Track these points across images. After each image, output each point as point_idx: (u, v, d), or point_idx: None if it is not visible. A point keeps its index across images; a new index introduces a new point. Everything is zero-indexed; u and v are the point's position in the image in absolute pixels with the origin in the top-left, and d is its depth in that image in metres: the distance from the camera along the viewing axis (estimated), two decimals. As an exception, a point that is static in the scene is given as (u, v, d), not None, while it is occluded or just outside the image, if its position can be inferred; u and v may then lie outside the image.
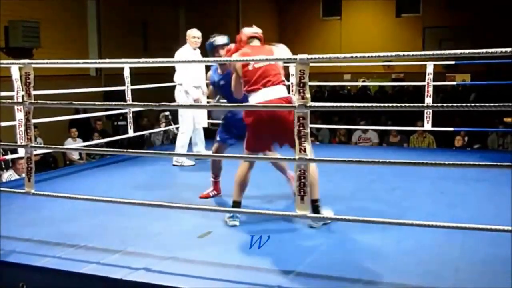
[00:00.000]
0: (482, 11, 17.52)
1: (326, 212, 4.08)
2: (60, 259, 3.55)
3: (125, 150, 5.92)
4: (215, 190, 5.14)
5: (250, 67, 4.20)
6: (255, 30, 4.48)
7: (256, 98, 4.13)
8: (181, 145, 6.73)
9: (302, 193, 3.14)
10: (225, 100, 5.03)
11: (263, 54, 4.22)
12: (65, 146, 6.03)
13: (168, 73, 7.04)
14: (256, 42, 4.41)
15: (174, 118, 9.99)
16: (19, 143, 5.53)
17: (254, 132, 4.19)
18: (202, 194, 5.08)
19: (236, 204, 4.26)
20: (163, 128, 9.77)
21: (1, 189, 4.69)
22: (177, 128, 7.28)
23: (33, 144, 4.01)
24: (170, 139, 10.19)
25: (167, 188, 5.63)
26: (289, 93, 5.25)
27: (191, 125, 6.79)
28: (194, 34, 6.72)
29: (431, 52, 3.20)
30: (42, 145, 6.11)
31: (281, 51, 4.33)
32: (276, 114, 4.00)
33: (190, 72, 6.62)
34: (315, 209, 4.05)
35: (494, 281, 3.17)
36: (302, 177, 3.13)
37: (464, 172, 5.79)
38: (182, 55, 6.62)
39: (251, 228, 4.09)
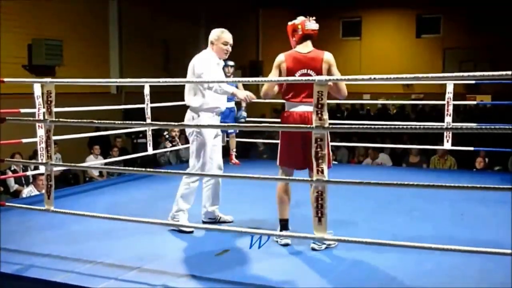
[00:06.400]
0: (503, 32, 17.41)
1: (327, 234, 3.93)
2: (78, 275, 3.56)
3: (140, 169, 5.91)
4: None
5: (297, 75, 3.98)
6: (313, 26, 4.04)
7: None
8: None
9: (319, 215, 3.10)
10: None
11: (310, 67, 4.00)
12: (84, 164, 6.09)
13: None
14: (308, 46, 4.08)
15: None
16: (39, 160, 5.59)
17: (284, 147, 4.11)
18: None
19: (282, 222, 4.16)
20: (182, 146, 9.71)
21: (22, 206, 4.76)
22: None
23: (53, 162, 4.05)
24: (178, 158, 10.13)
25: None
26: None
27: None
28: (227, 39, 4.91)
29: (449, 75, 3.18)
30: (61, 163, 6.18)
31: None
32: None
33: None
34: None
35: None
36: (319, 199, 3.09)
37: (483, 194, 5.73)
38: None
39: (269, 249, 4.07)
